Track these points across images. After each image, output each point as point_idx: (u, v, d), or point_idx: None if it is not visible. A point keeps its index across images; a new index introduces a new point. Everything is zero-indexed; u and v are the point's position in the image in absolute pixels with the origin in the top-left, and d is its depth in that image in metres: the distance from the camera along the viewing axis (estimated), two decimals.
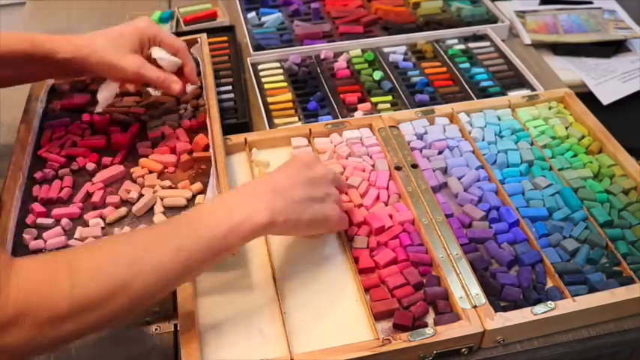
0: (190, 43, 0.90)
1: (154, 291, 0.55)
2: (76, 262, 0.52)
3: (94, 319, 0.51)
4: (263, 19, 1.16)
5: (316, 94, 0.96)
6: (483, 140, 0.85)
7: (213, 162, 0.75)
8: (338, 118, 0.91)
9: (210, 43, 1.10)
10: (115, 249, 0.55)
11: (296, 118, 0.92)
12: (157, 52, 0.78)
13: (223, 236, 0.57)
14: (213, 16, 1.19)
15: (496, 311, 0.62)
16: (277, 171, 0.66)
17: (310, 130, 0.85)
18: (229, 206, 0.59)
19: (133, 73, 0.74)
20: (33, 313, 0.48)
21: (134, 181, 0.77)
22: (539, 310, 0.62)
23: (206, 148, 0.79)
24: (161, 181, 0.77)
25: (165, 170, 0.79)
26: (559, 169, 0.80)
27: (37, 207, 0.73)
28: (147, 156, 0.80)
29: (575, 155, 0.83)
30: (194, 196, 0.75)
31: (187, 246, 0.55)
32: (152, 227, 0.60)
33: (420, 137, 0.85)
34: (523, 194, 0.77)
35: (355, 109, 0.93)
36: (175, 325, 0.65)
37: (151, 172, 0.78)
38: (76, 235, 0.70)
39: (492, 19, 1.14)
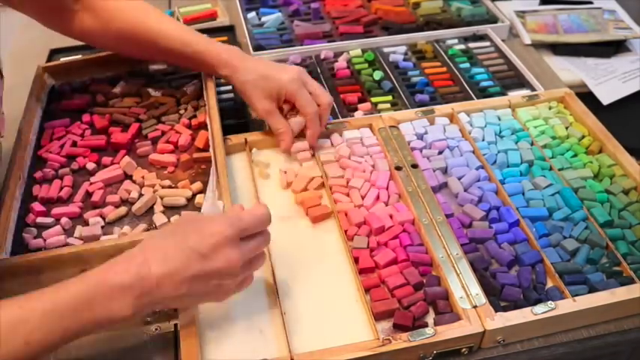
0: None
1: None
2: None
3: None
4: (263, 19, 1.16)
5: None
6: (483, 140, 0.85)
7: (213, 162, 0.75)
8: (338, 118, 0.91)
9: None
10: None
11: None
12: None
13: (79, 330, 0.54)
14: (213, 16, 1.19)
15: (496, 311, 0.62)
16: (161, 253, 0.56)
17: None
18: (89, 299, 0.54)
19: (261, 115, 0.82)
20: None
21: (134, 182, 0.77)
22: (540, 310, 0.62)
23: (207, 143, 0.79)
24: (161, 181, 0.77)
25: (166, 170, 0.79)
26: (559, 169, 0.80)
27: (37, 206, 0.73)
28: (146, 156, 0.81)
29: (575, 155, 0.83)
30: (194, 195, 0.75)
31: (39, 338, 0.52)
32: (11, 306, 0.53)
33: (420, 137, 0.85)
34: (523, 194, 0.77)
35: (355, 109, 0.93)
36: (175, 325, 0.65)
37: (158, 167, 0.79)
38: (76, 234, 0.70)
39: (492, 19, 1.14)
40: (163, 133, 0.84)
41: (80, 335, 0.54)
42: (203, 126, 0.84)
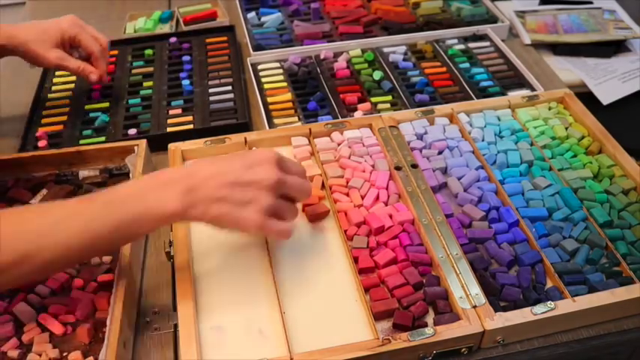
0: (128, 151, 0.82)
1: (58, 264, 0.58)
2: None
3: None
4: (263, 19, 1.16)
5: (316, 94, 0.96)
6: (483, 140, 0.85)
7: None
8: (338, 118, 0.91)
9: (210, 43, 1.11)
10: (23, 220, 0.57)
11: (296, 118, 0.92)
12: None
13: (132, 221, 0.58)
14: (213, 16, 1.19)
15: (496, 311, 0.62)
16: (210, 161, 0.64)
17: (310, 129, 0.85)
18: (142, 191, 0.59)
19: (55, 64, 0.88)
20: None
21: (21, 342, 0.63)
22: (539, 310, 0.62)
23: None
24: (51, 348, 0.63)
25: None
26: (559, 170, 0.80)
27: None
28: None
29: (574, 155, 0.83)
30: None
31: (95, 227, 0.57)
32: (65, 202, 0.59)
33: (420, 137, 0.85)
34: (523, 194, 0.77)
35: (355, 109, 0.93)
36: (175, 325, 0.65)
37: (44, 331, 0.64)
38: None
39: (492, 19, 1.14)
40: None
41: (133, 230, 0.59)
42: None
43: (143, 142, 0.82)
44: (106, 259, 0.71)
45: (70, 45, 0.91)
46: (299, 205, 0.76)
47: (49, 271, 0.59)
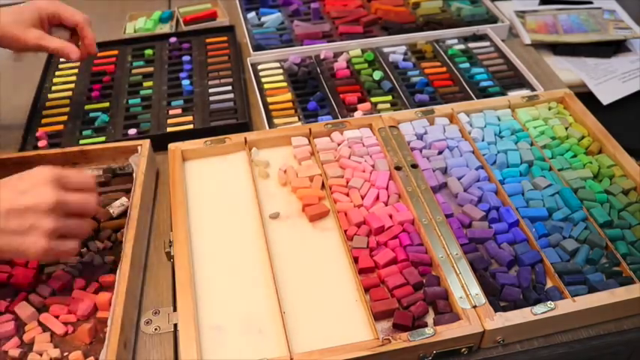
0: (131, 151, 0.82)
1: None
2: None
3: None
4: (263, 19, 1.16)
5: (316, 94, 0.96)
6: (483, 140, 0.85)
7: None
8: (338, 118, 0.91)
9: (210, 43, 1.11)
10: None
11: (296, 118, 0.92)
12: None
13: None
14: (213, 16, 1.19)
15: (496, 311, 0.62)
16: None
17: (310, 129, 0.85)
18: None
19: (34, 45, 0.84)
20: None
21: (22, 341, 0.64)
22: (539, 310, 0.62)
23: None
24: (52, 347, 0.63)
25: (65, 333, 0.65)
26: (559, 170, 0.80)
27: None
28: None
29: (574, 155, 0.83)
30: None
31: None
32: None
33: (420, 137, 0.85)
34: (523, 194, 0.77)
35: (355, 109, 0.93)
36: (175, 325, 0.65)
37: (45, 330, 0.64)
38: None
39: (492, 19, 1.14)
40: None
41: None
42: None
43: (147, 142, 0.82)
44: (108, 259, 0.71)
45: (49, 24, 0.87)
46: (299, 206, 0.77)
47: None
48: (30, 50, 0.86)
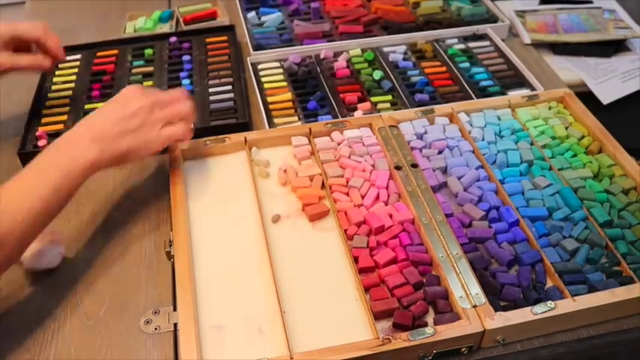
0: None
1: (22, 235, 0.62)
2: None
3: None
4: (263, 18, 1.16)
5: (316, 93, 0.96)
6: (483, 140, 0.85)
7: None
8: (338, 117, 0.91)
9: (210, 43, 1.11)
10: None
11: (296, 118, 0.92)
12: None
13: (65, 178, 0.65)
14: (213, 16, 1.19)
15: (496, 311, 0.62)
16: (95, 114, 0.72)
17: (310, 129, 0.85)
18: (60, 154, 0.67)
19: (9, 67, 0.85)
20: None
21: None
22: (539, 310, 0.62)
23: None
24: None
25: None
26: (559, 169, 0.80)
27: None
28: None
29: (574, 155, 0.83)
30: None
31: (41, 193, 0.64)
32: (12, 182, 0.65)
33: (420, 137, 0.85)
34: (523, 194, 0.77)
35: (355, 109, 0.93)
36: (175, 325, 0.65)
37: None
38: None
39: (492, 19, 1.14)
40: None
41: (73, 185, 0.66)
42: None
43: None
44: None
45: (13, 48, 0.86)
46: (299, 206, 0.77)
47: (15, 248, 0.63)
48: (5, 73, 0.88)
